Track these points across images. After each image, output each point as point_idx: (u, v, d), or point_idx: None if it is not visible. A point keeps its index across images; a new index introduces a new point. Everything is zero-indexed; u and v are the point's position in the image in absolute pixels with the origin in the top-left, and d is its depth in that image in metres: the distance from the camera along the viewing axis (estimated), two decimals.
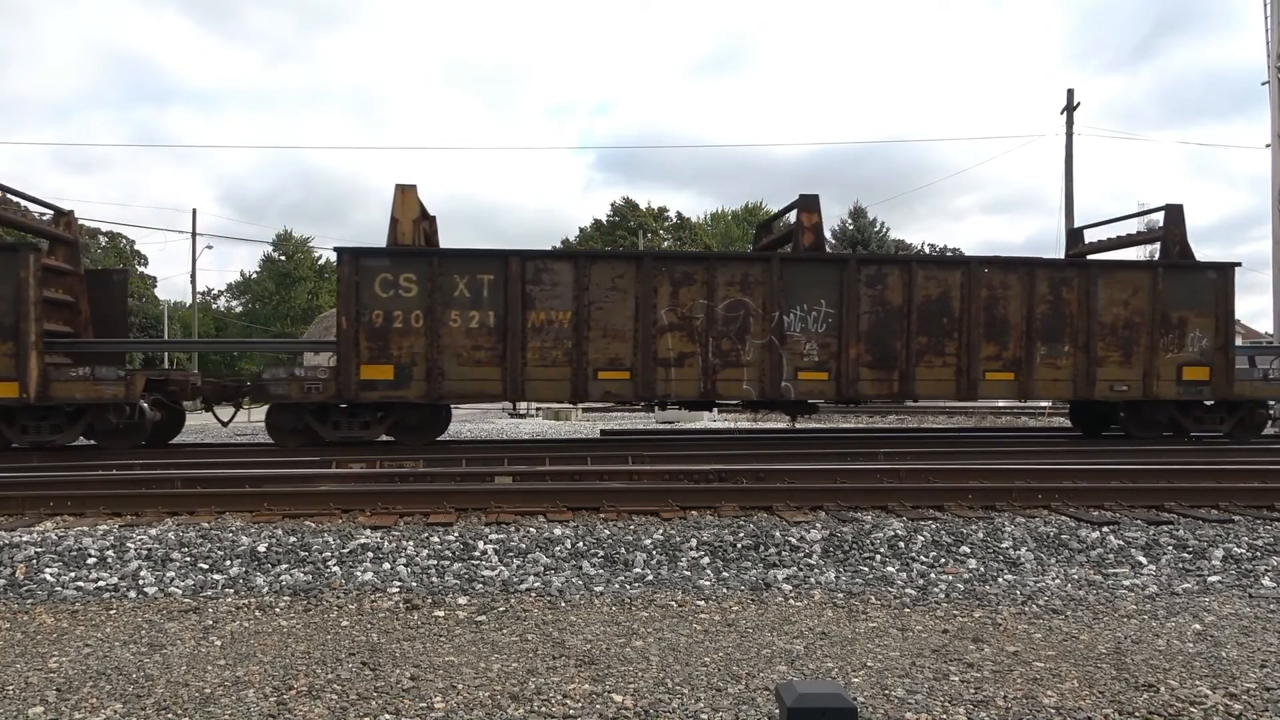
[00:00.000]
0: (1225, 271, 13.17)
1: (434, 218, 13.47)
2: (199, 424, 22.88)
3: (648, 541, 6.39)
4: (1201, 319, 13.04)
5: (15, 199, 12.93)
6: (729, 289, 12.19)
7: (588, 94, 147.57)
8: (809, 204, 12.83)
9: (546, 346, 11.93)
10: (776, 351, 12.21)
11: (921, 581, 5.75)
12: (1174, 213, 13.59)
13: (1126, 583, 5.72)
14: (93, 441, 12.65)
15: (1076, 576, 5.86)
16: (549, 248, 12.96)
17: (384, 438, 12.41)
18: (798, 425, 18.19)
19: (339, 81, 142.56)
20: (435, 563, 5.95)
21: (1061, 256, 15.89)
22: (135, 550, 6.11)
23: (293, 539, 6.36)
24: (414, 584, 5.59)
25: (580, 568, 5.93)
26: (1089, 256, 14.79)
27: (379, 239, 12.38)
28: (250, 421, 24.37)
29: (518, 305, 11.81)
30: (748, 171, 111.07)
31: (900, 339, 12.42)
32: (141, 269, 63.24)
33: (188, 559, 5.98)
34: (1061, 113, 26.38)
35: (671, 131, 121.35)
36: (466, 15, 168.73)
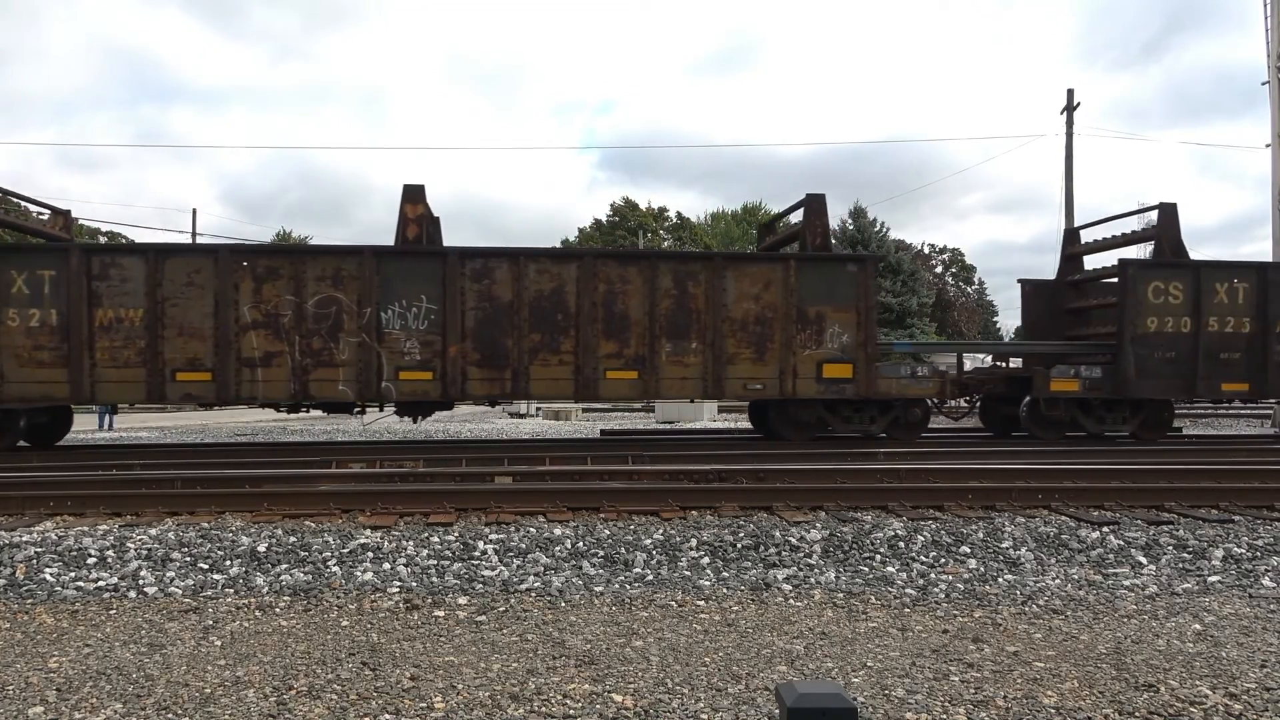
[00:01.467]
0: (865, 264, 12.80)
1: (437, 219, 13.43)
2: (198, 424, 22.90)
3: (648, 541, 6.39)
4: (841, 314, 12.54)
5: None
6: (319, 284, 11.70)
7: (592, 92, 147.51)
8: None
9: (117, 346, 11.46)
10: (373, 350, 11.77)
11: (921, 581, 5.75)
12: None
13: (1126, 583, 5.73)
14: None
15: (1076, 576, 5.86)
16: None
17: None
18: None
19: (343, 80, 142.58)
20: (435, 563, 5.95)
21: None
22: (135, 550, 6.11)
23: (293, 539, 6.36)
24: (414, 584, 5.59)
25: (580, 568, 5.93)
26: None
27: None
28: (255, 421, 24.43)
29: (82, 303, 11.32)
30: (752, 170, 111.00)
31: (511, 336, 11.96)
32: None
33: (188, 559, 5.98)
34: (1061, 113, 26.40)
35: (676, 130, 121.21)
36: (471, 13, 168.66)
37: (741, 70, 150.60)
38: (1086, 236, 15.81)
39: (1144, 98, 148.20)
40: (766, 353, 12.43)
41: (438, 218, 13.68)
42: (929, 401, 13.44)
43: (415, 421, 13.92)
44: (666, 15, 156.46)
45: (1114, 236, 15.08)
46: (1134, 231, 15.15)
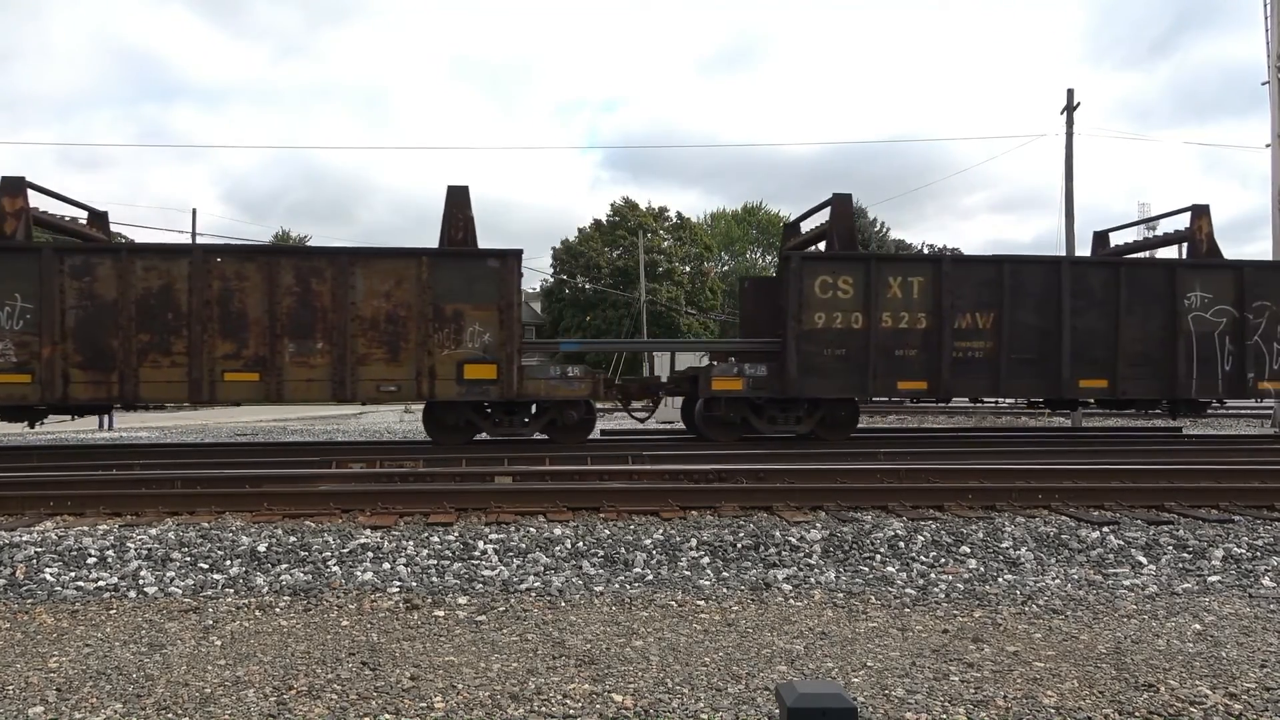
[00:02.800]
0: (507, 260, 12.13)
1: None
2: (197, 424, 22.90)
3: (648, 541, 6.39)
4: (481, 312, 11.92)
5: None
6: None
7: (596, 91, 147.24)
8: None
9: None
10: None
11: (921, 581, 5.75)
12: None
13: (1126, 583, 5.73)
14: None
15: (1076, 576, 5.86)
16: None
17: None
18: None
19: (347, 78, 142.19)
20: (435, 562, 5.95)
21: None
22: (135, 550, 6.11)
23: (293, 539, 6.36)
24: (414, 584, 5.59)
25: (580, 567, 5.93)
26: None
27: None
28: (254, 421, 24.45)
29: None
30: (756, 170, 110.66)
31: (117, 337, 11.36)
32: None
33: (188, 559, 5.98)
34: (1061, 113, 26.39)
35: (680, 129, 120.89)
36: (475, 10, 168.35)
37: (748, 69, 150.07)
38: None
39: (1151, 96, 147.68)
40: (401, 353, 11.85)
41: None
42: (590, 402, 12.71)
43: (31, 427, 13.33)
44: (671, 13, 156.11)
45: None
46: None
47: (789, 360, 12.34)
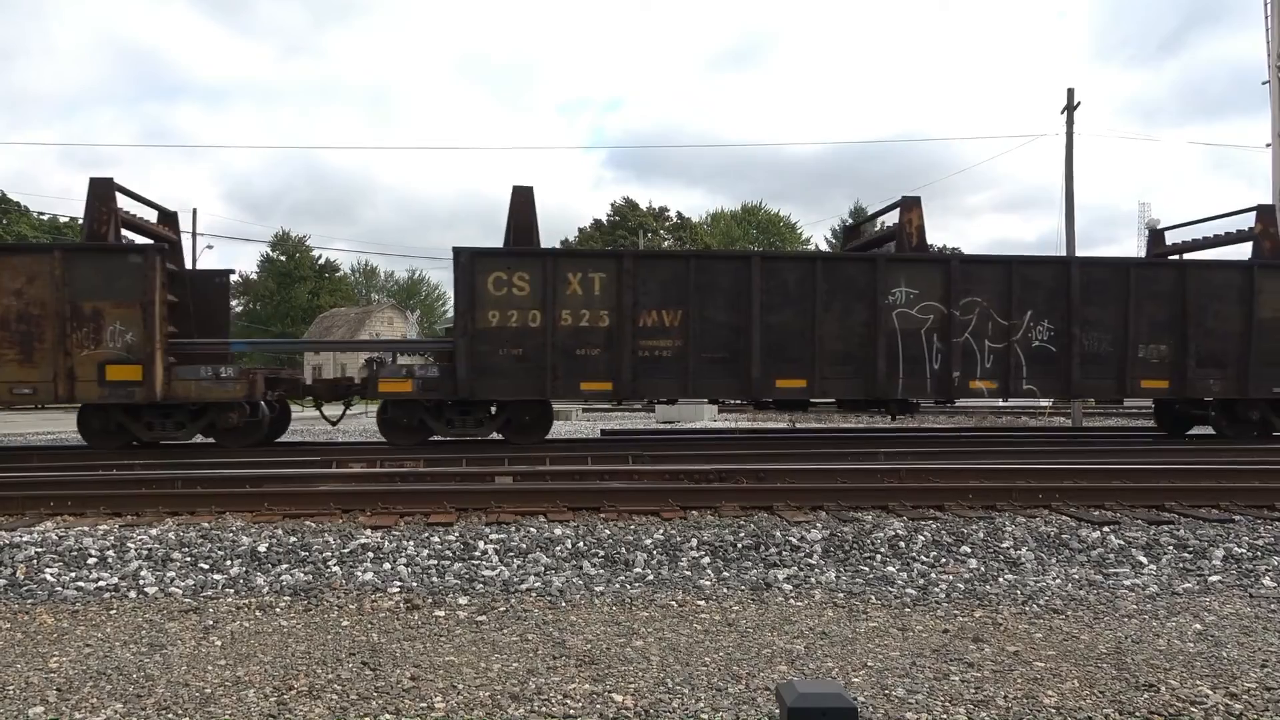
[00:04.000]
0: (149, 254, 11.64)
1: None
2: None
3: (648, 541, 6.39)
4: (123, 310, 11.37)
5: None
6: None
7: (601, 89, 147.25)
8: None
9: None
10: None
11: (922, 581, 5.75)
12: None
13: (1127, 582, 5.72)
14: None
15: (1077, 576, 5.86)
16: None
17: None
18: (797, 425, 18.10)
19: (351, 76, 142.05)
20: (435, 563, 5.95)
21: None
22: (135, 550, 6.10)
23: (293, 539, 6.36)
24: (414, 584, 5.59)
25: (581, 568, 5.92)
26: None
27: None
28: None
29: None
30: (760, 169, 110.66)
31: None
32: None
33: (188, 559, 5.98)
34: (1062, 112, 26.38)
35: (684, 128, 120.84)
36: (481, 8, 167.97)
37: (753, 68, 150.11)
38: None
39: (1159, 95, 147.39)
40: (36, 353, 11.33)
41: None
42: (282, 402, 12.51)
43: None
44: (675, 12, 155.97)
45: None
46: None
47: (460, 361, 11.84)
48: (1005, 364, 12.63)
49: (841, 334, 12.44)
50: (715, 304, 12.25)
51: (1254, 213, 13.81)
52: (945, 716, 3.48)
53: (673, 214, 59.28)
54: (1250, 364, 13.00)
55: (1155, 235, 16.15)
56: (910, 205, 13.00)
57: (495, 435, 12.62)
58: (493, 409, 12.39)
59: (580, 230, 58.75)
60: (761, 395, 12.58)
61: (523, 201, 12.46)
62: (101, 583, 5.61)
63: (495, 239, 12.38)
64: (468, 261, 11.94)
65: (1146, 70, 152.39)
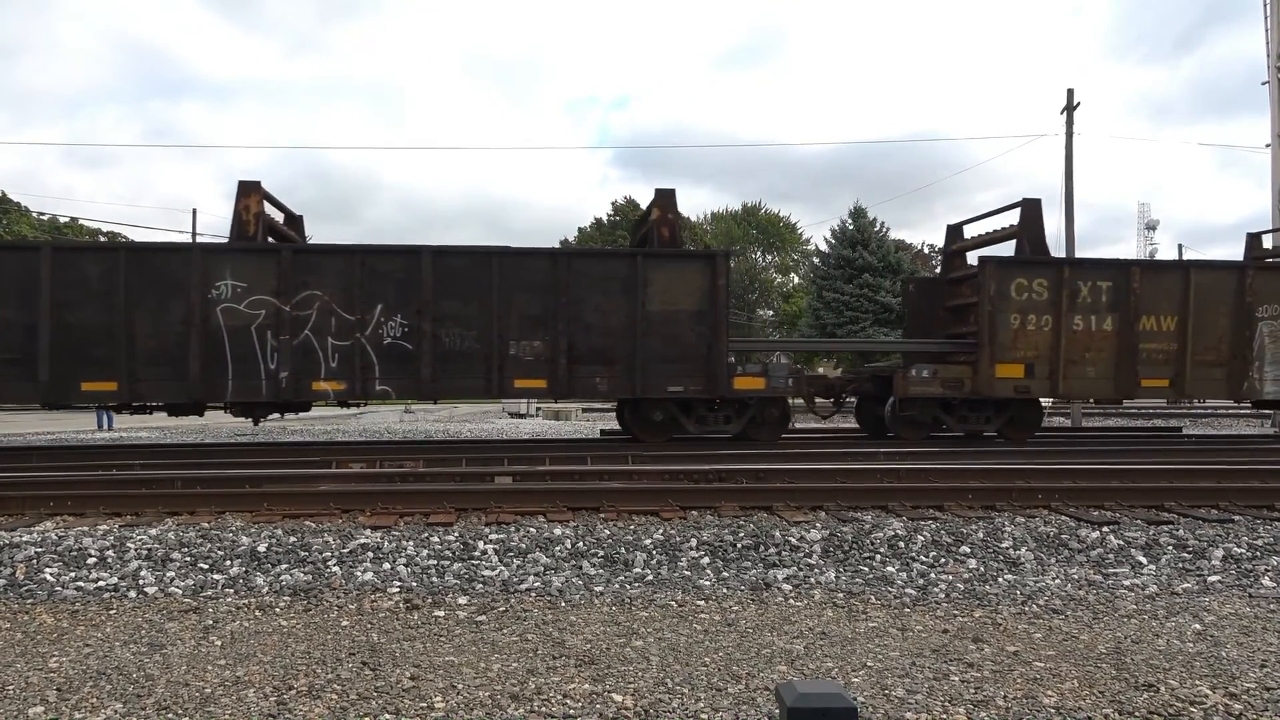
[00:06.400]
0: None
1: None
2: (198, 424, 22.89)
3: (648, 541, 6.39)
4: None
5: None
6: None
7: (606, 88, 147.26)
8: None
9: None
10: None
11: (921, 581, 5.75)
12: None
13: (1126, 582, 5.73)
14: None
15: (1076, 576, 5.86)
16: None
17: None
18: (796, 425, 18.08)
19: (358, 74, 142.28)
20: (435, 563, 5.95)
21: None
22: (135, 550, 6.11)
23: (293, 539, 6.36)
24: (414, 584, 5.59)
25: (580, 568, 5.93)
26: None
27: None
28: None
29: None
30: (767, 167, 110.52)
31: None
32: None
33: (188, 559, 5.98)
34: (1061, 113, 26.39)
35: (692, 126, 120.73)
36: (490, 5, 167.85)
37: (762, 66, 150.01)
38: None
39: (1172, 92, 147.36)
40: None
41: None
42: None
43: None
44: (684, 10, 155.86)
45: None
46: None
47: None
48: (354, 363, 11.70)
49: (157, 332, 11.38)
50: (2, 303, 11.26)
51: (1019, 209, 13.44)
52: (945, 716, 3.48)
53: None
54: (640, 361, 12.06)
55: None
56: (247, 190, 11.86)
57: None
58: None
59: (580, 230, 58.71)
60: (56, 400, 11.53)
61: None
62: (101, 583, 5.61)
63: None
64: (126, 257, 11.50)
65: (1162, 67, 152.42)
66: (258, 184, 12.01)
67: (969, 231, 15.11)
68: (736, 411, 12.75)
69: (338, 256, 11.84)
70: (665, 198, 12.60)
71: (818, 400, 13.95)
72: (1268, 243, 15.51)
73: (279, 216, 13.43)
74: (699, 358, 12.19)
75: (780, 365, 12.68)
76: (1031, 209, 13.28)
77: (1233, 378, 13.00)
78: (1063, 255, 17.11)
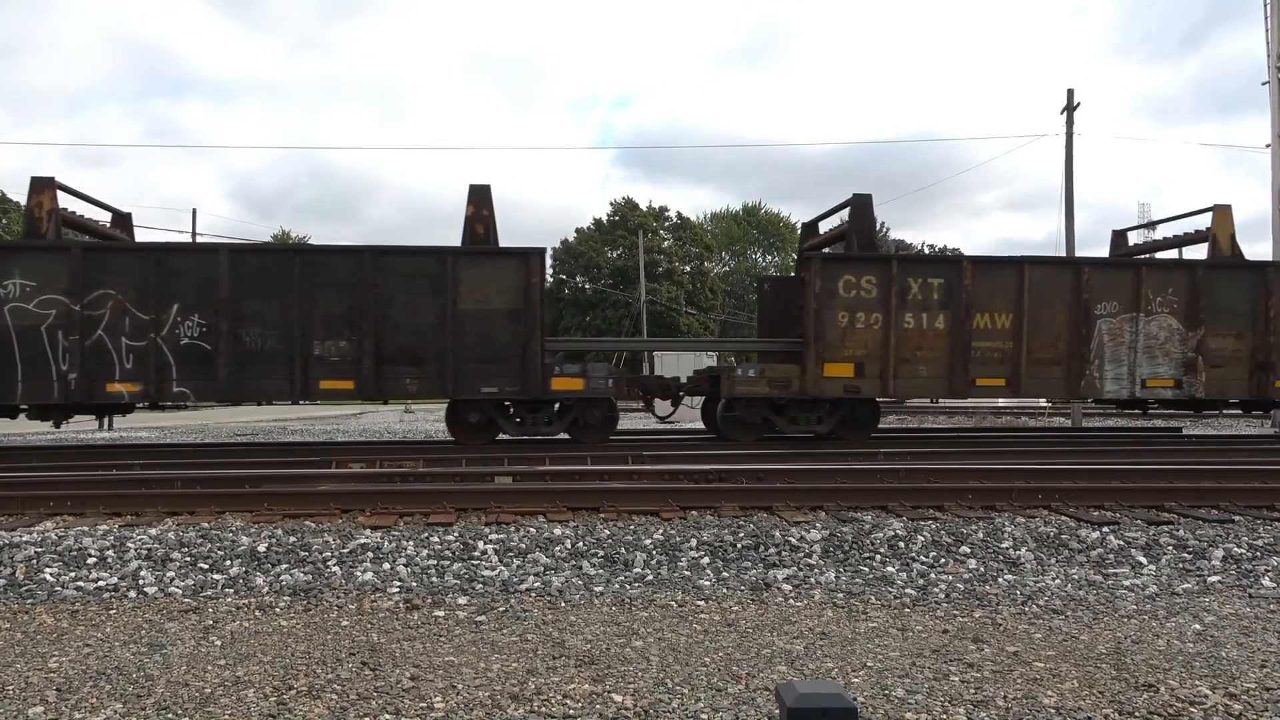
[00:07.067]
0: None
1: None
2: (198, 424, 22.92)
3: (648, 541, 6.39)
4: None
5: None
6: None
7: (608, 87, 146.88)
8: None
9: None
10: None
11: (921, 581, 5.75)
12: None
13: (1126, 583, 5.72)
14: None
15: (1076, 576, 5.86)
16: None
17: None
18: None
19: (359, 73, 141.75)
20: (435, 563, 5.95)
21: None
22: (135, 550, 6.11)
23: (293, 539, 6.36)
24: (414, 584, 5.59)
25: (580, 568, 5.93)
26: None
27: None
28: (254, 421, 24.42)
29: None
30: (770, 167, 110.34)
31: None
32: None
33: (188, 559, 5.98)
34: (1061, 113, 26.39)
35: (695, 125, 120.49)
36: (490, 4, 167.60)
37: (766, 65, 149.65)
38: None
39: (1175, 92, 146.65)
40: None
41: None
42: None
43: None
44: (685, 9, 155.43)
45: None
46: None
47: None
48: (149, 365, 11.36)
49: None
50: None
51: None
52: (945, 717, 3.48)
53: (673, 214, 59.32)
54: (452, 361, 11.83)
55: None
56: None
57: None
58: None
59: (578, 230, 58.73)
60: None
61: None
62: (101, 583, 5.61)
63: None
64: None
65: (1166, 67, 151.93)
66: (51, 180, 11.71)
67: (824, 227, 14.94)
68: (558, 413, 12.40)
69: (131, 255, 11.66)
70: (479, 193, 12.27)
71: (656, 401, 13.54)
72: (1136, 238, 15.52)
73: (105, 217, 13.31)
74: (514, 358, 11.92)
75: (599, 366, 12.43)
76: (860, 204, 12.95)
77: (1070, 376, 12.58)
78: (951, 252, 16.86)
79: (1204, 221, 13.75)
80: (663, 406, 13.83)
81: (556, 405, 12.37)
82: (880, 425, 14.35)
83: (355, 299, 11.69)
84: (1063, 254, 21.10)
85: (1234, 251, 13.11)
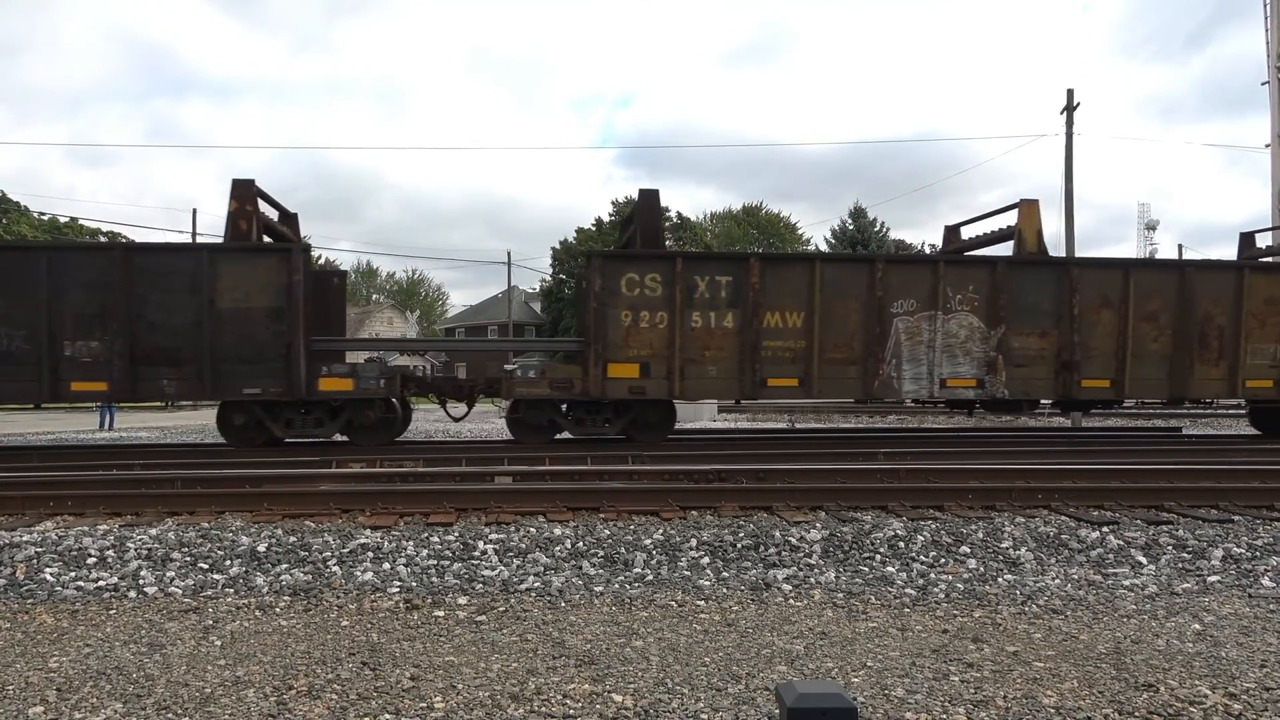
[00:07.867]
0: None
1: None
2: (198, 424, 22.91)
3: (648, 541, 6.39)
4: None
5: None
6: None
7: (611, 86, 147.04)
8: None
9: None
10: None
11: (921, 581, 5.75)
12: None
13: (1126, 583, 5.73)
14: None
15: (1076, 576, 5.86)
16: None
17: None
18: (797, 425, 18.02)
19: (362, 72, 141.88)
20: (435, 563, 5.95)
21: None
22: (135, 550, 6.11)
23: (293, 539, 6.36)
24: (414, 584, 5.59)
25: (580, 568, 5.93)
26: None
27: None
28: None
29: None
30: (772, 166, 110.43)
31: None
32: None
33: (188, 559, 5.99)
34: (1061, 113, 26.40)
35: (698, 124, 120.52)
36: (493, 4, 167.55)
37: (769, 64, 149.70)
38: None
39: (1180, 91, 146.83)
40: None
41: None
42: None
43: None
44: (688, 8, 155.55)
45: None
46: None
47: None
48: None
49: None
50: None
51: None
52: (945, 717, 3.48)
53: (673, 214, 59.33)
54: (211, 361, 11.56)
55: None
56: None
57: None
58: None
59: (579, 230, 58.71)
60: None
61: None
62: (101, 582, 5.61)
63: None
64: None
65: (1171, 66, 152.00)
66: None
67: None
68: (329, 414, 12.17)
69: None
70: (242, 188, 11.97)
71: (450, 401, 13.29)
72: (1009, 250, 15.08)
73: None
74: (277, 357, 11.65)
75: (369, 366, 12.18)
76: (647, 200, 12.62)
77: (866, 376, 12.26)
78: (815, 250, 16.65)
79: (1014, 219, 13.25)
80: (457, 408, 13.46)
81: (327, 407, 12.11)
82: (881, 425, 14.29)
83: (107, 298, 11.40)
84: (1062, 254, 21.08)
85: (1039, 248, 12.75)
